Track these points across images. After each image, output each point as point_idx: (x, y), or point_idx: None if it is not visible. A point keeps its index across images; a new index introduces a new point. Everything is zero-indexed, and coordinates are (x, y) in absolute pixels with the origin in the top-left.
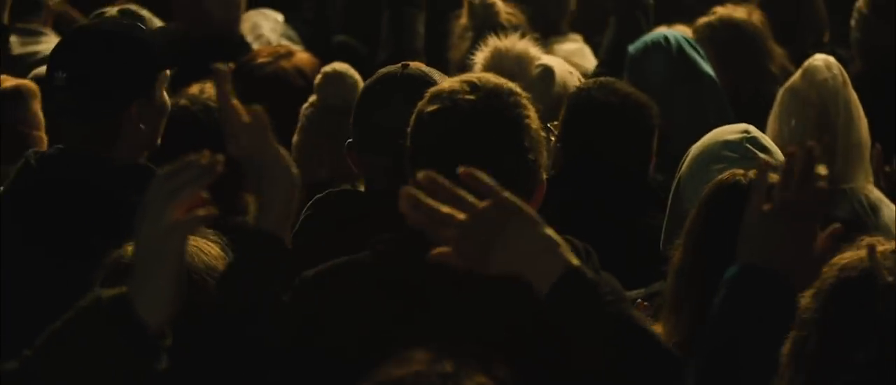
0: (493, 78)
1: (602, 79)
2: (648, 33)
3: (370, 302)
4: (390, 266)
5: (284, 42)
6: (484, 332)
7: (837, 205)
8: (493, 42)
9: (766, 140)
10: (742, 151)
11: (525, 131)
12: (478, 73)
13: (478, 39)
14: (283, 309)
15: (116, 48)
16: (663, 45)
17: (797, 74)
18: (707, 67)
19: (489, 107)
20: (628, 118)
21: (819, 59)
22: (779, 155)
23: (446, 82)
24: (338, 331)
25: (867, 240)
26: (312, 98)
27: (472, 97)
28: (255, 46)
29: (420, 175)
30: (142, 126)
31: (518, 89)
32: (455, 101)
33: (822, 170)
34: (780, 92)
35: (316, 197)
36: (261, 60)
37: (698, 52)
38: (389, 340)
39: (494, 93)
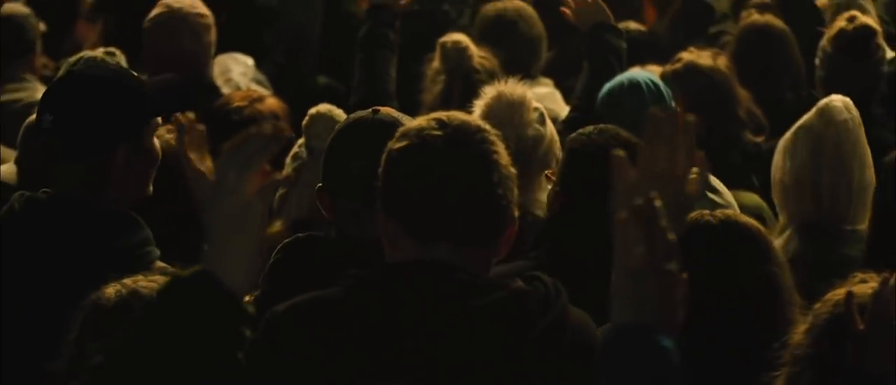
0: (461, 115)
1: (601, 126)
2: (620, 75)
3: (341, 337)
4: (361, 301)
5: (254, 86)
6: (456, 368)
7: (848, 244)
8: (496, 85)
9: (716, 181)
10: None
11: (494, 168)
12: (447, 112)
13: (451, 83)
14: (253, 344)
15: (104, 92)
16: (635, 87)
17: (812, 113)
18: None
19: (457, 143)
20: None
21: (837, 99)
22: (729, 197)
23: (415, 121)
24: (309, 366)
25: (860, 276)
26: (300, 140)
27: (440, 134)
28: (225, 90)
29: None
30: (130, 171)
31: (486, 126)
32: (423, 139)
33: (663, 222)
34: (794, 129)
35: (284, 241)
36: (236, 104)
37: (668, 96)
38: (361, 376)
39: (462, 130)
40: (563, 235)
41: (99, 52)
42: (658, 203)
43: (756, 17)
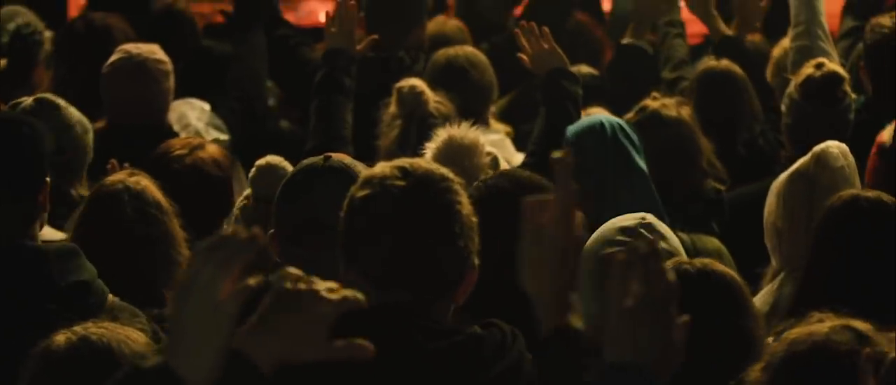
0: (424, 164)
1: (506, 170)
2: (586, 118)
3: (300, 383)
4: None
5: (212, 131)
6: None
7: None
8: (447, 130)
9: (663, 227)
10: (635, 236)
11: (455, 217)
12: (410, 159)
13: (407, 128)
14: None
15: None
16: (599, 131)
17: (807, 158)
18: (640, 161)
19: (420, 192)
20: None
21: (833, 145)
22: (676, 244)
23: (378, 167)
24: None
25: (816, 315)
26: (247, 191)
27: (402, 183)
28: (183, 135)
29: None
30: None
31: (450, 175)
32: (386, 187)
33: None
34: (788, 173)
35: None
36: (177, 152)
37: (633, 143)
38: None
39: (425, 179)
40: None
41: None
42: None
43: (714, 62)
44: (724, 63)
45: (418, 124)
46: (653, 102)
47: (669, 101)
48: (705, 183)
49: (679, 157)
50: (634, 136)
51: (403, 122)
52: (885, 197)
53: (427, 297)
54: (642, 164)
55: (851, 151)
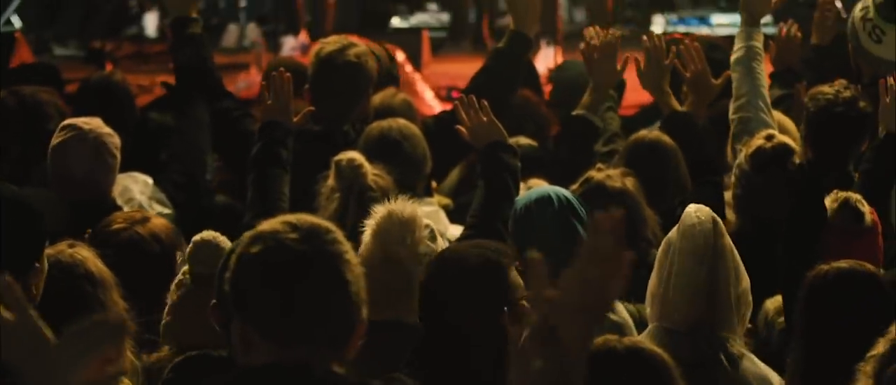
0: (310, 218)
1: (477, 240)
2: (535, 189)
3: None
4: None
5: (155, 205)
6: None
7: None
8: (386, 204)
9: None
10: None
11: (347, 267)
12: (296, 215)
13: (345, 200)
14: None
15: None
16: (547, 204)
17: (674, 230)
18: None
19: (311, 245)
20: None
21: (692, 209)
22: (624, 315)
23: (266, 223)
24: None
25: None
26: (185, 267)
27: (293, 236)
28: (126, 209)
29: None
30: None
31: (334, 227)
32: (278, 241)
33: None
34: (661, 249)
35: (176, 361)
36: (116, 226)
37: (580, 218)
38: None
39: (314, 232)
40: (438, 350)
41: None
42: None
43: (644, 132)
44: (654, 133)
45: (357, 197)
46: (597, 174)
47: (614, 173)
48: (650, 253)
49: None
50: (582, 211)
51: (342, 195)
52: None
53: (322, 351)
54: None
55: None
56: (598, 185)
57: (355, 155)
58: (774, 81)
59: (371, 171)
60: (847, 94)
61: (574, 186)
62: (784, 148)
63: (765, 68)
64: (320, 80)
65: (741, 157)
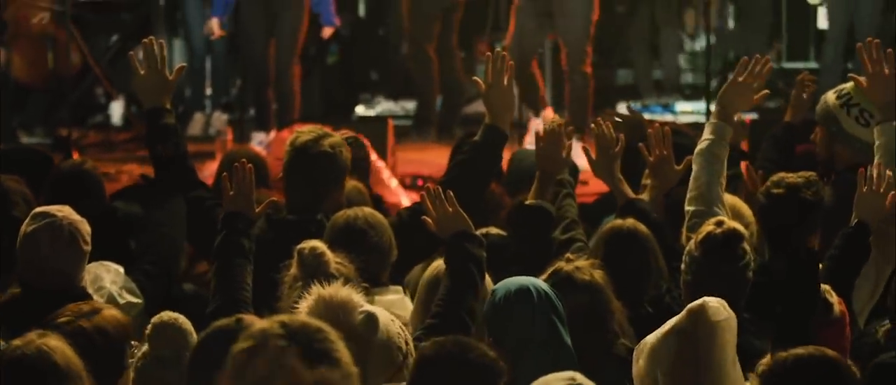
0: (301, 318)
1: (455, 337)
2: (514, 279)
3: None
4: None
5: (125, 294)
6: None
7: None
8: (317, 289)
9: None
10: None
11: (336, 365)
12: (289, 316)
13: (308, 290)
14: None
15: None
16: (525, 293)
17: (682, 316)
18: (564, 332)
19: (299, 345)
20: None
21: (712, 301)
22: None
23: (257, 323)
24: None
25: None
26: (144, 348)
27: (283, 334)
28: (96, 298)
29: None
30: None
31: (326, 327)
32: (267, 338)
33: None
34: (658, 335)
35: None
36: (61, 319)
37: (559, 314)
38: None
39: (303, 331)
40: None
41: None
42: None
43: (620, 221)
44: (630, 222)
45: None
46: (566, 265)
47: (583, 264)
48: (617, 345)
49: (591, 320)
50: (560, 305)
51: (304, 283)
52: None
53: None
54: (566, 336)
55: (752, 309)
56: (567, 276)
57: (318, 244)
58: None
59: (333, 260)
60: (795, 179)
61: (542, 276)
62: (733, 233)
63: (725, 165)
64: (295, 169)
65: (691, 243)
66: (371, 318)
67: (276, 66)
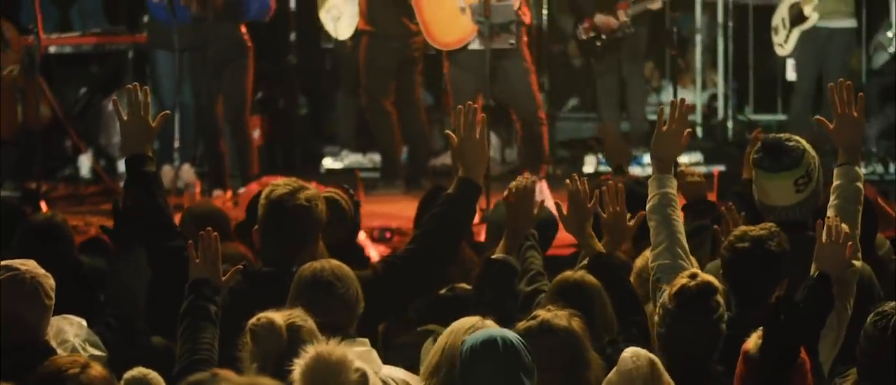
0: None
1: None
2: (482, 331)
3: None
4: None
5: (89, 347)
6: None
7: None
8: (314, 348)
9: None
10: None
11: None
12: (270, 379)
13: (263, 365)
14: None
15: None
16: (491, 344)
17: (613, 373)
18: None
19: None
20: None
21: (629, 353)
22: None
23: (234, 379)
24: None
25: None
26: None
27: None
28: (60, 351)
29: None
30: None
31: None
32: None
33: None
34: None
35: None
36: (71, 371)
37: (526, 365)
38: None
39: None
40: None
41: None
42: None
43: (569, 273)
44: (579, 274)
45: (274, 361)
46: (545, 313)
47: (562, 313)
48: None
49: (566, 367)
50: (527, 357)
51: (260, 362)
52: None
53: None
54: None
55: (725, 362)
56: (544, 323)
57: (272, 316)
58: (687, 213)
59: (283, 331)
60: (758, 233)
61: (520, 324)
62: (707, 286)
63: (679, 213)
64: (270, 222)
65: (665, 296)
66: (364, 377)
67: (228, 116)
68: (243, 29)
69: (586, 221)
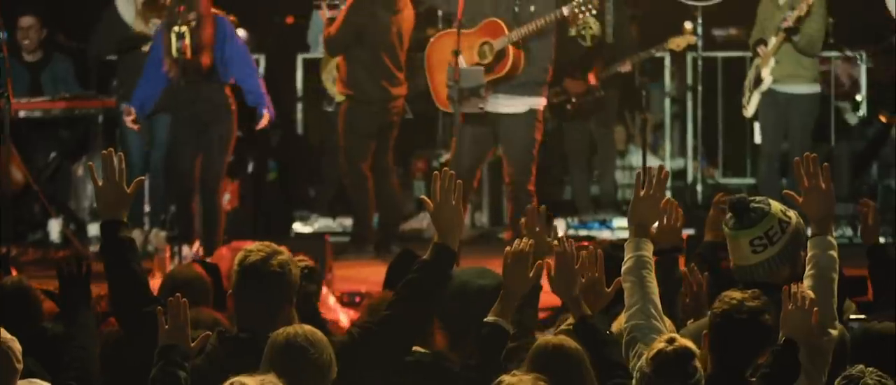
0: None
1: None
2: None
3: None
4: None
5: None
6: None
7: None
8: None
9: None
10: None
11: None
12: None
13: None
14: None
15: None
16: None
17: None
18: None
19: None
20: None
21: None
22: None
23: None
24: None
25: None
26: None
27: None
28: None
29: None
30: None
31: None
32: None
33: None
34: None
35: None
36: None
37: None
38: None
39: None
40: None
41: None
42: None
43: (549, 337)
44: (559, 338)
45: None
46: (510, 378)
47: (526, 378)
48: None
49: None
50: None
51: None
52: None
53: None
54: None
55: None
56: None
57: (246, 381)
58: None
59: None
60: (755, 303)
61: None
62: (685, 351)
63: (653, 276)
64: (244, 288)
65: (643, 360)
66: None
67: (204, 179)
68: (228, 91)
69: (574, 283)
